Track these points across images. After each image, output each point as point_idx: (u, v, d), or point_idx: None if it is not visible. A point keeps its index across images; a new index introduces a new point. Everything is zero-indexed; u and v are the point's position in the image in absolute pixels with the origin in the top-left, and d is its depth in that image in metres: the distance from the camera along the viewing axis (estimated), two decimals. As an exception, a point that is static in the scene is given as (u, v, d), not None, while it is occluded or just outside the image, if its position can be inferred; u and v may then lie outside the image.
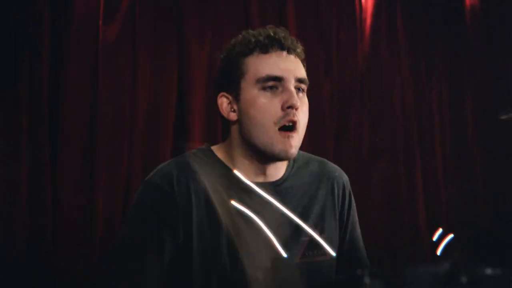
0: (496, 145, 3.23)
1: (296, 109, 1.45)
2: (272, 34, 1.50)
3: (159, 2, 2.81)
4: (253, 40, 1.50)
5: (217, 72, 1.59)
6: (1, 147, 2.50)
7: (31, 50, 2.54)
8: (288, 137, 1.46)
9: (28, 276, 2.46)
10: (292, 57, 1.51)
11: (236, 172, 1.53)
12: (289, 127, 1.46)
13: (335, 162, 1.71)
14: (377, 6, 3.22)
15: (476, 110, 3.26)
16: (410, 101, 3.22)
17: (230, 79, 1.51)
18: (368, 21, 3.20)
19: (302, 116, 1.48)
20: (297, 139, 1.48)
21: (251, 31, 1.54)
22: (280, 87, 1.47)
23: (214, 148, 1.58)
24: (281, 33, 1.51)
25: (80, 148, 2.63)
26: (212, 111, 2.81)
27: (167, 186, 1.46)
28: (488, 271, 0.83)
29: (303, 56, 1.54)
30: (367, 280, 0.84)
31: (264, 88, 1.47)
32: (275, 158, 1.50)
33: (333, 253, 1.55)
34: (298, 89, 1.49)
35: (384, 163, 3.12)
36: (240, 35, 1.56)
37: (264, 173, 1.54)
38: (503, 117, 1.55)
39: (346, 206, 1.64)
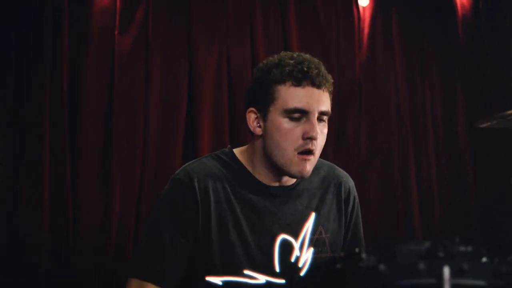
0: (487, 145, 3.32)
1: (315, 140, 1.58)
2: (305, 70, 1.58)
3: (171, 13, 2.96)
4: (287, 70, 1.58)
5: (250, 88, 1.70)
6: (25, 152, 2.65)
7: (52, 58, 2.69)
8: (305, 160, 1.59)
9: (50, 274, 2.60)
10: (320, 91, 1.59)
11: (254, 174, 1.67)
12: (307, 152, 1.59)
13: (334, 163, 1.85)
14: (374, 16, 3.34)
15: (467, 113, 3.37)
16: (405, 105, 3.34)
17: (261, 100, 1.62)
18: (366, 30, 3.32)
19: (319, 143, 1.60)
20: (313, 161, 1.61)
21: (287, 58, 1.61)
22: (304, 118, 1.58)
23: (236, 151, 1.72)
24: (315, 69, 1.59)
25: (97, 150, 2.78)
26: (219, 114, 2.98)
27: (189, 182, 1.62)
28: (462, 248, 1.01)
29: (331, 88, 1.63)
30: (364, 256, 1.01)
31: (289, 117, 1.58)
32: (290, 176, 1.65)
33: (334, 251, 1.71)
34: (319, 119, 1.60)
35: (380, 164, 3.24)
36: (276, 57, 1.64)
37: (279, 180, 1.68)
38: (483, 125, 1.64)
39: (350, 209, 1.79)
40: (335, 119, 3.18)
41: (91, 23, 2.79)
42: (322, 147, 1.64)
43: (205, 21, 3.01)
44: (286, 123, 1.59)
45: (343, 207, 1.77)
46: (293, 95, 1.58)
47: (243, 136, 2.72)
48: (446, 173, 3.36)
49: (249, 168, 1.69)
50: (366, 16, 3.34)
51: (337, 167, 1.84)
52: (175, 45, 2.96)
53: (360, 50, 3.31)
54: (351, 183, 1.82)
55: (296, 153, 1.59)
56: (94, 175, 2.77)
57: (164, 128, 2.91)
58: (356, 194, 1.82)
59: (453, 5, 3.47)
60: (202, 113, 2.95)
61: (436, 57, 3.46)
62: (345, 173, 1.84)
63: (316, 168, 1.74)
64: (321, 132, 1.61)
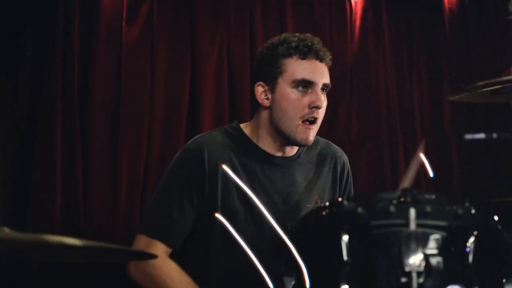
0: (468, 130, 3.45)
1: (320, 108, 1.75)
2: (310, 44, 1.74)
3: (175, 7, 3.08)
4: (293, 45, 1.74)
5: (256, 65, 1.84)
6: (39, 139, 2.76)
7: (64, 48, 2.81)
8: (309, 129, 1.75)
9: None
10: (323, 64, 1.77)
11: (259, 145, 1.82)
12: (311, 121, 1.75)
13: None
14: (365, 10, 3.48)
15: (452, 101, 3.42)
16: (394, 93, 3.48)
17: (269, 74, 1.77)
18: (357, 23, 3.46)
19: (321, 113, 1.77)
20: (315, 130, 1.78)
21: (290, 36, 1.78)
22: (310, 89, 1.74)
23: (242, 125, 1.87)
24: (317, 44, 1.77)
25: (105, 136, 2.89)
26: (220, 105, 3.10)
27: (198, 152, 1.77)
28: (426, 195, 1.20)
29: (330, 64, 1.79)
30: (345, 202, 1.20)
31: (297, 88, 1.74)
32: (296, 144, 1.80)
33: None
34: (322, 90, 1.76)
35: (371, 149, 3.39)
36: (280, 37, 1.80)
37: (282, 150, 1.84)
38: (452, 98, 1.79)
39: (344, 181, 1.95)
40: (328, 106, 3.27)
41: (100, 15, 2.91)
42: (323, 117, 1.80)
43: (207, 16, 3.12)
44: (294, 94, 1.75)
45: (337, 180, 1.93)
46: (300, 68, 1.74)
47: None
48: (432, 158, 3.47)
49: (254, 140, 1.83)
50: (358, 10, 3.47)
51: (332, 143, 2.00)
52: (178, 38, 3.07)
53: (352, 42, 3.45)
54: (345, 158, 1.98)
55: (301, 121, 1.75)
56: (103, 163, 2.86)
57: (168, 118, 3.00)
58: (349, 168, 1.98)
59: (440, 0, 3.61)
60: (204, 104, 3.05)
61: (424, 49, 3.59)
62: (339, 149, 2.00)
63: (314, 144, 1.89)
64: (324, 102, 1.77)
